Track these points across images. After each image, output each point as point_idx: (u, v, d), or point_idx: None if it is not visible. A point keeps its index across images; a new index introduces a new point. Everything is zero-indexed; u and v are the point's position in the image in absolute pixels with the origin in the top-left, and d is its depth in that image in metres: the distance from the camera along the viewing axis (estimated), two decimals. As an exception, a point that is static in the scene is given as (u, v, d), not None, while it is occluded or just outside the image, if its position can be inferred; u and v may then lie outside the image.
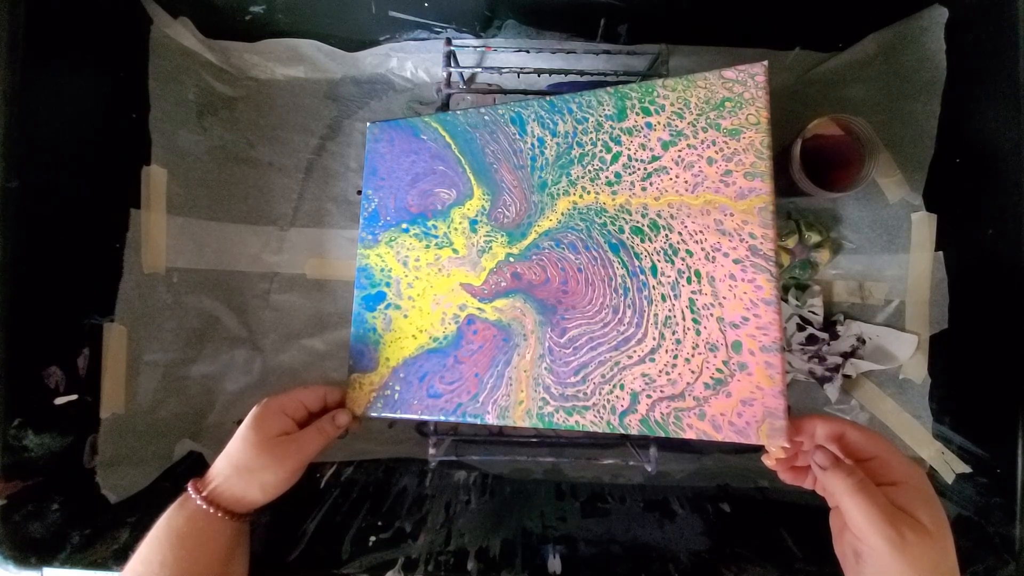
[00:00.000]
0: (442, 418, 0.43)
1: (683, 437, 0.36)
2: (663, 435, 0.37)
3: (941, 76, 0.51)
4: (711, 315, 0.37)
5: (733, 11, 0.53)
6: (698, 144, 0.38)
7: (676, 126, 0.39)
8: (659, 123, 0.39)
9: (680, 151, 0.39)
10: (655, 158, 0.39)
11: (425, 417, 0.43)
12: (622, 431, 0.38)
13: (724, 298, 0.36)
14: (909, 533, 0.29)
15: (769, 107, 0.37)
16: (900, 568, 0.28)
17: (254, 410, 0.41)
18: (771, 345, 0.35)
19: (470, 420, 0.42)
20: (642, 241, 0.39)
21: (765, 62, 0.37)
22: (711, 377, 0.36)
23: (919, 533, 0.29)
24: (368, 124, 0.48)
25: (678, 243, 0.38)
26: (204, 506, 0.39)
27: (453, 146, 0.45)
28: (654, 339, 0.38)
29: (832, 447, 0.34)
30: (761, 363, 0.35)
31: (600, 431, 0.38)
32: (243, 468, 0.40)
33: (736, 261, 0.36)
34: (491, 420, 0.41)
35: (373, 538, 0.48)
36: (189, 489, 0.40)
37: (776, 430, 0.34)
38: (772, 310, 0.35)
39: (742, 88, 0.37)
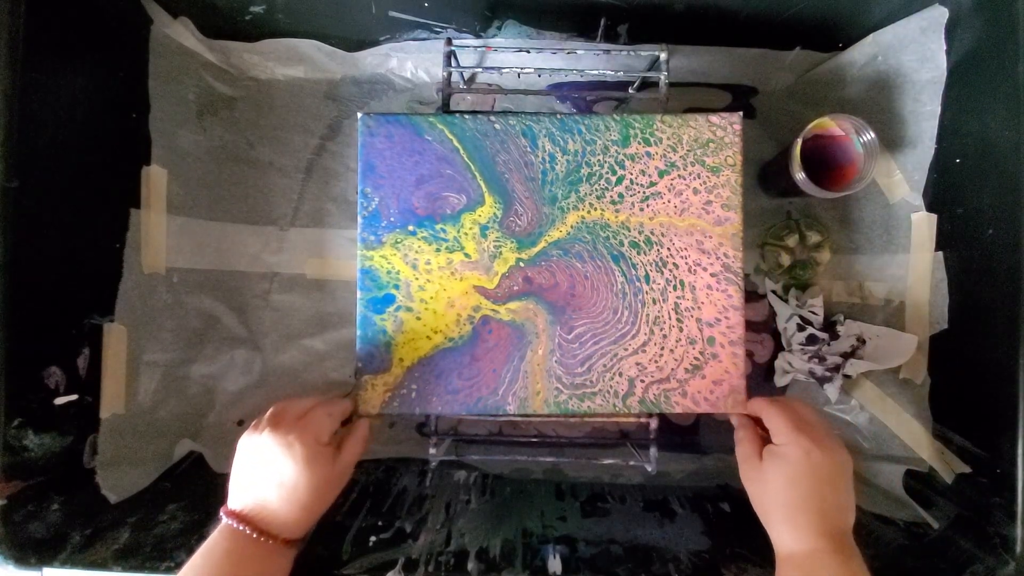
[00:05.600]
0: (463, 413, 0.46)
1: (673, 412, 0.44)
2: (658, 411, 0.46)
3: (941, 76, 0.51)
4: (691, 316, 0.45)
5: (733, 11, 0.54)
6: (687, 175, 0.45)
7: (670, 158, 0.46)
8: (657, 153, 0.46)
9: (672, 180, 0.46)
10: (652, 184, 0.46)
11: (446, 412, 0.46)
12: (627, 410, 0.45)
13: (702, 303, 0.45)
14: (762, 462, 0.41)
15: (743, 152, 0.45)
16: (756, 481, 0.41)
17: (304, 452, 0.39)
18: (737, 340, 0.45)
19: (491, 412, 0.45)
20: (638, 254, 0.46)
21: (740, 113, 0.45)
22: (690, 364, 0.45)
23: (772, 461, 0.40)
24: (360, 115, 0.47)
25: (667, 257, 0.45)
26: (285, 550, 0.40)
27: (461, 151, 0.46)
28: (645, 334, 0.45)
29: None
30: (729, 354, 0.45)
31: (609, 412, 0.45)
32: (310, 508, 0.40)
33: (713, 275, 0.45)
34: (511, 411, 0.45)
35: (373, 538, 0.48)
36: (268, 541, 0.39)
37: (738, 403, 0.45)
38: (739, 314, 0.45)
39: (723, 133, 0.45)
